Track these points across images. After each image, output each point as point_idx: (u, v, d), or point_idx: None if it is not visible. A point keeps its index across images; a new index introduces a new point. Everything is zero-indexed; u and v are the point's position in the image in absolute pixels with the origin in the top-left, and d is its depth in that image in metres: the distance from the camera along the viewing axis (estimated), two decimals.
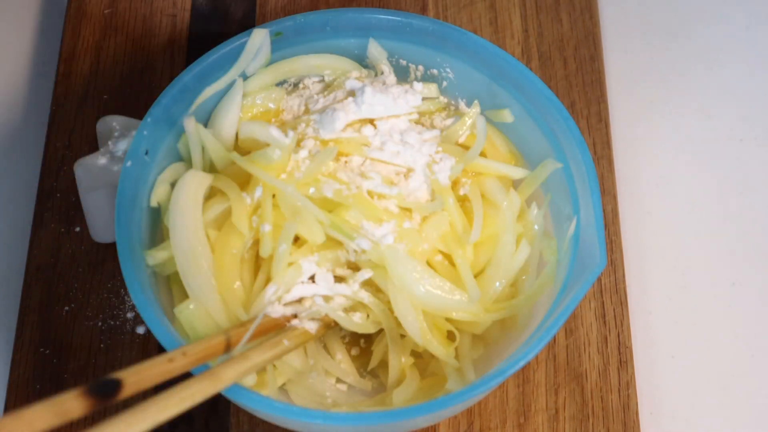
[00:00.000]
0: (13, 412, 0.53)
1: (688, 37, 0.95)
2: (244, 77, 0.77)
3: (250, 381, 0.70)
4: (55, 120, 0.87)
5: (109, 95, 0.89)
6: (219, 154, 0.74)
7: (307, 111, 0.77)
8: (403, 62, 0.79)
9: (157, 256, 0.70)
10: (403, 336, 0.73)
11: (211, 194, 0.74)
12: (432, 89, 0.78)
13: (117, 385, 0.58)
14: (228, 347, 0.66)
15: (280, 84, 0.78)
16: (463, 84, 0.78)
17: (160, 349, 0.78)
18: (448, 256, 0.73)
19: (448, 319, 0.72)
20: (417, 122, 0.77)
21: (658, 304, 0.84)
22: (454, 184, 0.75)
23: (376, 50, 0.78)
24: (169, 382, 0.61)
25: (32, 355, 0.79)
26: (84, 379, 0.78)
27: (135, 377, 0.59)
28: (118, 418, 0.55)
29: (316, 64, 0.78)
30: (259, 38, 0.76)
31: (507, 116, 0.77)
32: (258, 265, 0.72)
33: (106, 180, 0.77)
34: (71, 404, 0.55)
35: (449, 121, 0.77)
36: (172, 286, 0.72)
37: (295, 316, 0.71)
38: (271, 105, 0.77)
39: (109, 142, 0.78)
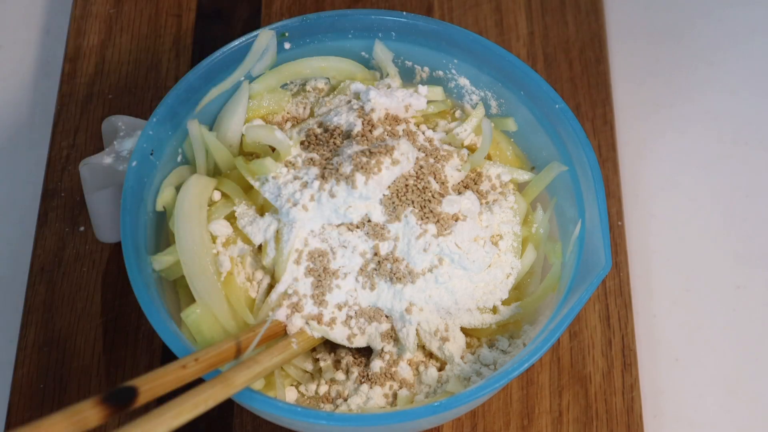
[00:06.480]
0: (30, 423, 0.54)
1: (693, 40, 0.95)
2: (250, 78, 0.77)
3: (258, 384, 0.70)
4: (60, 119, 0.87)
5: (114, 95, 0.89)
6: (223, 157, 0.74)
7: (312, 114, 0.77)
8: (409, 63, 0.79)
9: (162, 261, 0.70)
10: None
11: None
12: (437, 92, 0.78)
13: (133, 392, 0.59)
14: (238, 352, 0.66)
15: (285, 86, 0.78)
16: (468, 86, 0.78)
17: (165, 350, 0.78)
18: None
19: None
20: (423, 125, 0.77)
21: (663, 307, 0.84)
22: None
23: (381, 51, 0.78)
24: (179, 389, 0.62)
25: (36, 355, 0.79)
26: (88, 379, 0.78)
27: (150, 384, 0.60)
28: (133, 425, 0.56)
29: (321, 67, 0.78)
30: (265, 39, 0.76)
31: (511, 125, 0.77)
32: (263, 268, 0.72)
33: (111, 180, 0.77)
34: (88, 413, 0.56)
35: (454, 124, 0.77)
36: (178, 290, 0.72)
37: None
38: (277, 108, 0.77)
39: (114, 142, 0.78)
